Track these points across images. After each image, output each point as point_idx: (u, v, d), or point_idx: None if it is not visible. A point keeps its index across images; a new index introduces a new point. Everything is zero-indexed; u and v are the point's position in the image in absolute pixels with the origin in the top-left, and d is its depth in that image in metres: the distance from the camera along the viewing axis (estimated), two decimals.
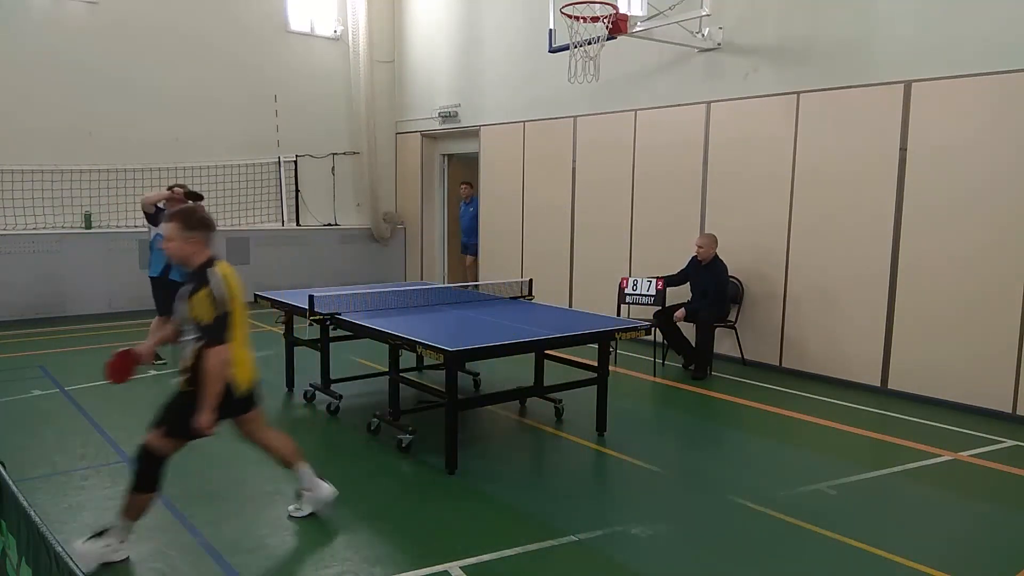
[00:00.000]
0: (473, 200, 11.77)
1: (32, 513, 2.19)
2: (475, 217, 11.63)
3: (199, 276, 3.63)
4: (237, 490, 4.64)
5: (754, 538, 4.08)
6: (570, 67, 7.49)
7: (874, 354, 6.98)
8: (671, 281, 7.79)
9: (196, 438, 3.66)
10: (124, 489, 3.68)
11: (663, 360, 8.04)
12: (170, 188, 7.47)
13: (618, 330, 5.54)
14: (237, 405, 3.79)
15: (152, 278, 7.53)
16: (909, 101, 6.62)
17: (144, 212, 7.53)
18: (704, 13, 7.39)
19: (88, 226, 10.23)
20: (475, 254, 11.78)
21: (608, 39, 7.48)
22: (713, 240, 7.65)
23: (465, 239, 12.13)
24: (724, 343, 8.06)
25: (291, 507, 4.23)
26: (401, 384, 5.57)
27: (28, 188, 9.85)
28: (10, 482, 2.53)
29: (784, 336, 7.72)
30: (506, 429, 5.98)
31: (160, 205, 7.45)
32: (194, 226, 3.69)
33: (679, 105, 8.43)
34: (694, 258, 7.74)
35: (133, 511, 3.65)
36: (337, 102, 12.39)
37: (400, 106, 12.84)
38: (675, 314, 7.55)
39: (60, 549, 1.94)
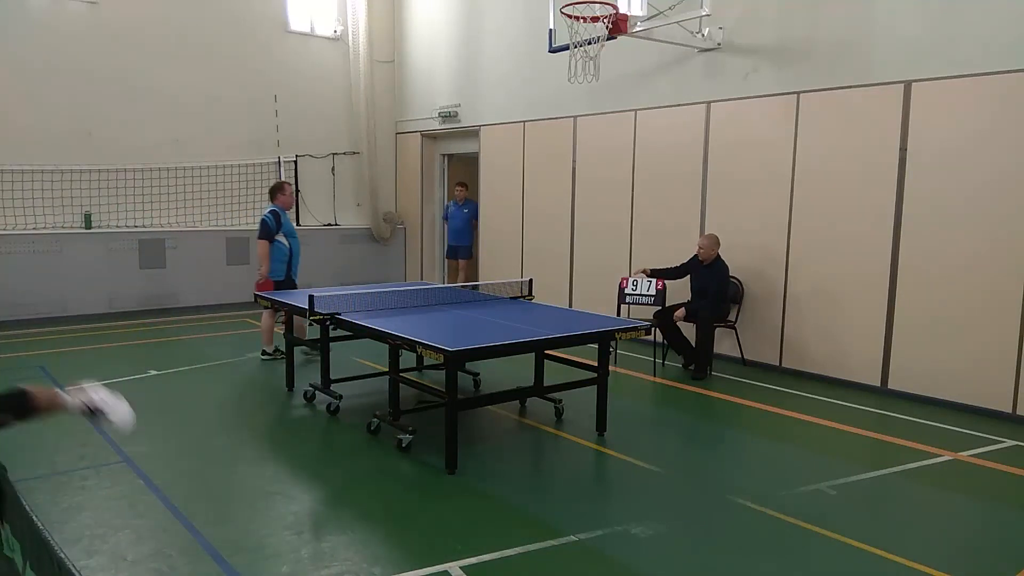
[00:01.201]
0: (468, 203, 11.42)
1: (35, 519, 2.18)
2: (469, 220, 11.39)
3: None
4: (237, 490, 4.65)
5: (754, 538, 4.08)
6: (570, 67, 7.49)
7: (874, 354, 6.98)
8: (668, 274, 7.79)
9: None
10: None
11: (663, 360, 8.04)
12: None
13: (618, 330, 5.54)
14: None
15: (277, 281, 7.71)
16: (909, 101, 6.62)
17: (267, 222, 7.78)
18: (704, 13, 7.38)
19: (88, 226, 10.23)
20: (467, 257, 11.51)
21: (608, 39, 7.47)
22: (715, 241, 7.65)
23: (454, 242, 11.55)
24: (724, 343, 8.06)
25: None
26: (401, 384, 5.57)
27: (28, 188, 9.84)
28: (14, 487, 2.52)
29: (784, 336, 7.72)
30: (506, 429, 5.98)
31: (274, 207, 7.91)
32: None
33: (679, 105, 8.43)
34: (695, 257, 7.75)
35: None
36: (337, 102, 12.38)
37: (400, 106, 12.84)
38: (675, 314, 7.55)
39: (63, 555, 1.93)
